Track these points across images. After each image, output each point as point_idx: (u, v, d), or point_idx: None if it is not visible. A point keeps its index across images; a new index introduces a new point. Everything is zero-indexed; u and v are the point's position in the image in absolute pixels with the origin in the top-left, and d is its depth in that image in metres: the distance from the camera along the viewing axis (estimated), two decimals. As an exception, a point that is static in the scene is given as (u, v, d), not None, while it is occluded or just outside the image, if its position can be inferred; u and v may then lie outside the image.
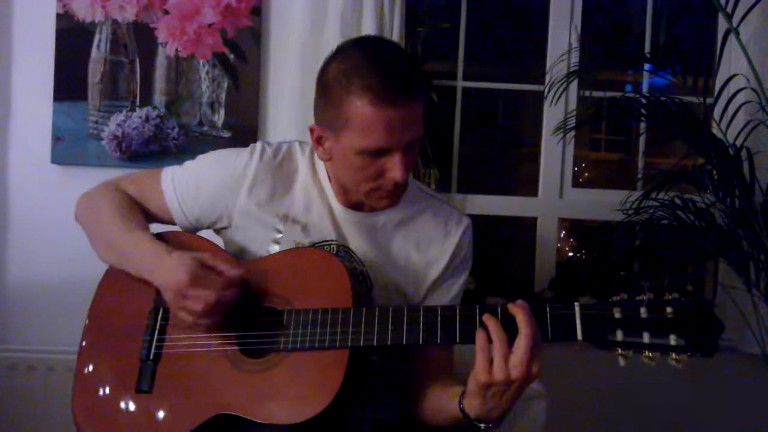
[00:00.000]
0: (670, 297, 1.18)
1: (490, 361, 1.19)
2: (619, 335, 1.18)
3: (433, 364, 1.48)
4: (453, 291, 1.55)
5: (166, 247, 1.41)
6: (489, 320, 1.22)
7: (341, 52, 1.39)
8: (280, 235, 1.49)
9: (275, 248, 1.49)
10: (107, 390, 1.42)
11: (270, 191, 1.51)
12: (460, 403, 1.29)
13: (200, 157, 1.59)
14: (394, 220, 1.52)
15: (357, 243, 1.50)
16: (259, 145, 1.54)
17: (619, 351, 1.18)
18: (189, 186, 1.54)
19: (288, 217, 1.50)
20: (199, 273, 1.35)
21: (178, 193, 1.54)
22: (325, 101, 1.37)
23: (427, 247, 1.53)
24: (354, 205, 1.50)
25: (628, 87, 3.13)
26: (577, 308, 1.21)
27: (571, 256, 3.47)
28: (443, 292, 1.54)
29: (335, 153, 1.41)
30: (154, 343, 1.42)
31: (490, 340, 1.20)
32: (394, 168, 1.35)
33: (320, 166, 1.53)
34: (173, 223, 1.57)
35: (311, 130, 1.44)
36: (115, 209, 1.51)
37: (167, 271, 1.36)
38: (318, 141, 1.43)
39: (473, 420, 1.27)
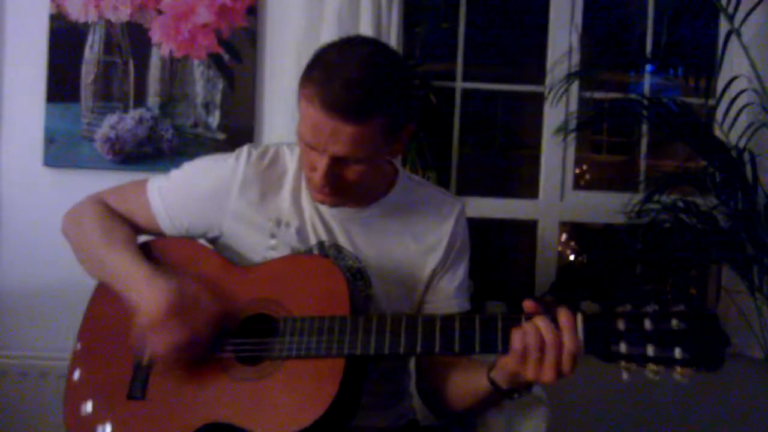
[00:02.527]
0: (675, 309, 1.15)
1: (524, 359, 1.19)
2: (623, 347, 1.15)
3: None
4: (459, 276, 1.53)
5: (147, 271, 1.38)
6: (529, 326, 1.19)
7: (338, 42, 1.38)
8: (275, 241, 1.47)
9: (271, 254, 1.47)
10: (99, 396, 1.41)
11: (260, 193, 1.49)
12: (489, 376, 1.30)
13: (185, 166, 1.56)
14: (386, 211, 1.51)
15: (350, 239, 1.49)
16: (245, 148, 1.52)
17: (623, 364, 1.15)
18: (177, 196, 1.52)
19: (280, 221, 1.48)
20: (178, 309, 1.31)
21: (166, 205, 1.52)
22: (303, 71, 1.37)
23: (423, 235, 1.51)
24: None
25: (633, 88, 3.12)
26: (579, 319, 1.18)
27: (572, 260, 3.46)
28: (449, 281, 1.53)
29: None
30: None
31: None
32: (317, 167, 1.34)
33: None
34: (163, 235, 1.55)
35: None
36: (99, 226, 1.49)
37: (144, 298, 1.34)
38: None
39: (505, 391, 1.30)
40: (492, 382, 1.30)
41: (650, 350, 1.13)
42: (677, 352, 1.12)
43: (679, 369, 1.13)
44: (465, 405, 1.43)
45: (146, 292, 1.34)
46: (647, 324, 1.14)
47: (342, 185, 1.38)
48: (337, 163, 1.33)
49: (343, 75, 1.28)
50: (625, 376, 1.15)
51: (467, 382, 1.39)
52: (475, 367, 1.38)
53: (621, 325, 1.16)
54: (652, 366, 1.13)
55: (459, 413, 1.49)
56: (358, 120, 1.28)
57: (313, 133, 1.31)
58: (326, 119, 1.28)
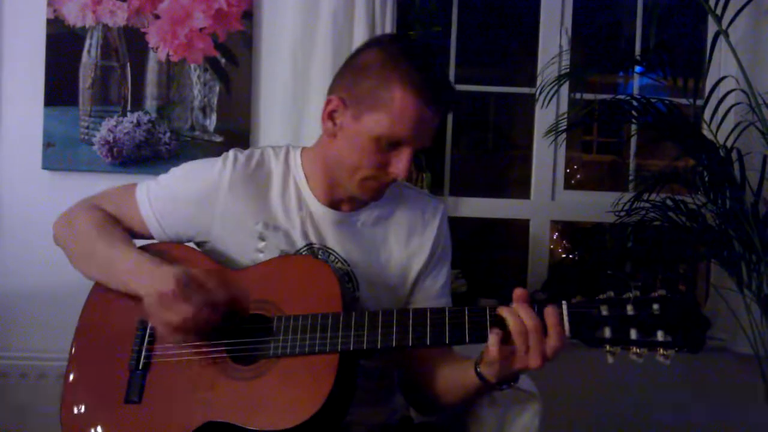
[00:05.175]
0: (656, 294, 1.19)
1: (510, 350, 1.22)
2: (607, 332, 1.18)
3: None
4: (441, 278, 1.56)
5: (153, 258, 1.40)
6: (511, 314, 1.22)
7: (381, 43, 1.41)
8: (264, 244, 1.48)
9: (260, 257, 1.48)
10: (96, 400, 1.42)
11: (248, 197, 1.50)
12: (476, 370, 1.32)
13: (173, 171, 1.57)
14: (373, 216, 1.53)
15: (338, 242, 1.50)
16: (231, 153, 1.54)
17: (608, 348, 1.18)
18: (165, 201, 1.52)
19: (268, 224, 1.49)
20: (187, 286, 1.32)
21: (155, 210, 1.52)
22: (359, 78, 1.37)
23: (408, 239, 1.54)
24: (334, 204, 1.50)
25: (622, 89, 3.14)
26: (564, 306, 1.22)
27: (563, 258, 3.49)
28: (433, 281, 1.55)
29: (345, 131, 1.41)
30: (143, 353, 1.42)
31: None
32: (400, 163, 1.37)
33: (296, 168, 1.53)
34: (151, 239, 1.56)
35: (329, 101, 1.42)
36: (96, 226, 1.50)
37: (155, 279, 1.34)
38: (330, 115, 1.42)
39: (493, 384, 1.31)
40: (480, 376, 1.32)
41: (633, 334, 1.17)
42: (659, 335, 1.16)
43: (661, 351, 1.16)
44: (452, 399, 1.45)
45: (155, 274, 1.35)
46: (629, 309, 1.18)
47: None
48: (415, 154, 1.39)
49: (439, 71, 1.37)
50: (610, 360, 1.19)
51: (454, 377, 1.41)
52: (462, 361, 1.40)
53: (605, 311, 1.20)
54: (635, 349, 1.17)
55: (445, 407, 1.51)
56: (449, 109, 1.39)
57: (413, 129, 1.34)
58: (431, 110, 1.34)
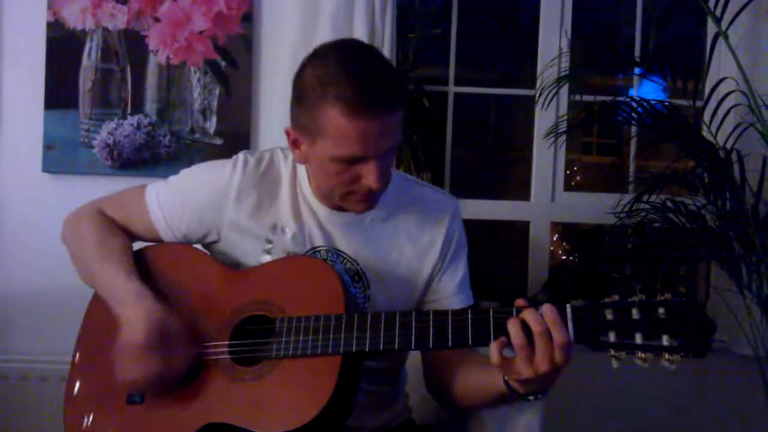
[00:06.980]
0: (661, 298, 1.18)
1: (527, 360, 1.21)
2: (612, 336, 1.17)
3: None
4: (459, 273, 1.55)
5: (138, 288, 1.39)
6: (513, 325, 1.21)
7: (318, 56, 1.36)
8: (271, 246, 1.49)
9: (266, 259, 1.48)
10: (99, 400, 1.42)
11: (256, 202, 1.50)
12: (505, 380, 1.30)
13: (183, 172, 1.57)
14: (382, 214, 1.51)
15: (347, 243, 1.50)
16: (241, 155, 1.53)
17: (612, 352, 1.17)
18: (174, 203, 1.52)
19: (276, 226, 1.50)
20: (157, 337, 1.32)
21: (164, 211, 1.52)
22: (300, 107, 1.36)
23: (418, 236, 1.52)
24: (338, 206, 1.49)
25: (622, 91, 3.14)
26: (568, 309, 1.21)
27: (564, 260, 3.49)
28: (451, 278, 1.54)
29: (311, 157, 1.40)
30: None
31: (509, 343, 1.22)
32: (369, 175, 1.34)
33: (302, 171, 1.52)
34: (160, 241, 1.56)
35: (287, 134, 1.42)
36: (95, 237, 1.50)
37: (127, 319, 1.35)
38: (294, 144, 1.42)
39: (523, 395, 1.30)
40: (509, 385, 1.30)
41: (638, 338, 1.16)
42: (665, 340, 1.15)
43: (666, 356, 1.15)
44: (477, 403, 1.45)
45: (131, 311, 1.35)
46: (635, 313, 1.17)
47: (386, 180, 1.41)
48: (383, 158, 1.35)
49: (376, 73, 1.31)
50: (615, 364, 1.18)
51: (481, 383, 1.40)
52: (489, 367, 1.36)
53: (609, 315, 1.19)
54: (640, 354, 1.16)
55: (467, 409, 1.52)
56: (397, 103, 1.32)
57: (360, 145, 1.31)
58: (370, 121, 1.28)
